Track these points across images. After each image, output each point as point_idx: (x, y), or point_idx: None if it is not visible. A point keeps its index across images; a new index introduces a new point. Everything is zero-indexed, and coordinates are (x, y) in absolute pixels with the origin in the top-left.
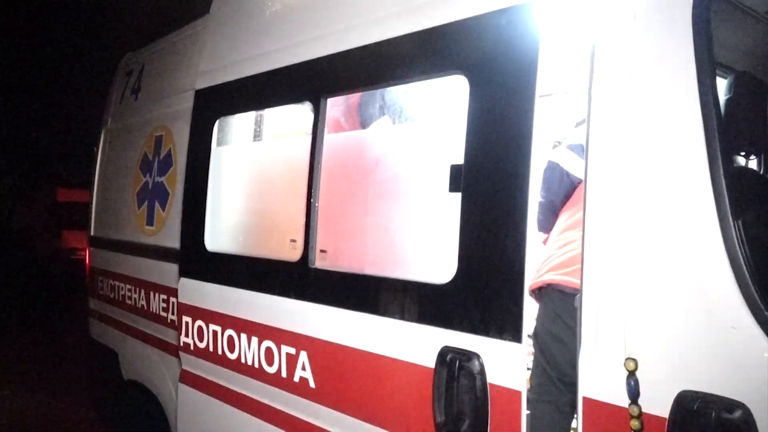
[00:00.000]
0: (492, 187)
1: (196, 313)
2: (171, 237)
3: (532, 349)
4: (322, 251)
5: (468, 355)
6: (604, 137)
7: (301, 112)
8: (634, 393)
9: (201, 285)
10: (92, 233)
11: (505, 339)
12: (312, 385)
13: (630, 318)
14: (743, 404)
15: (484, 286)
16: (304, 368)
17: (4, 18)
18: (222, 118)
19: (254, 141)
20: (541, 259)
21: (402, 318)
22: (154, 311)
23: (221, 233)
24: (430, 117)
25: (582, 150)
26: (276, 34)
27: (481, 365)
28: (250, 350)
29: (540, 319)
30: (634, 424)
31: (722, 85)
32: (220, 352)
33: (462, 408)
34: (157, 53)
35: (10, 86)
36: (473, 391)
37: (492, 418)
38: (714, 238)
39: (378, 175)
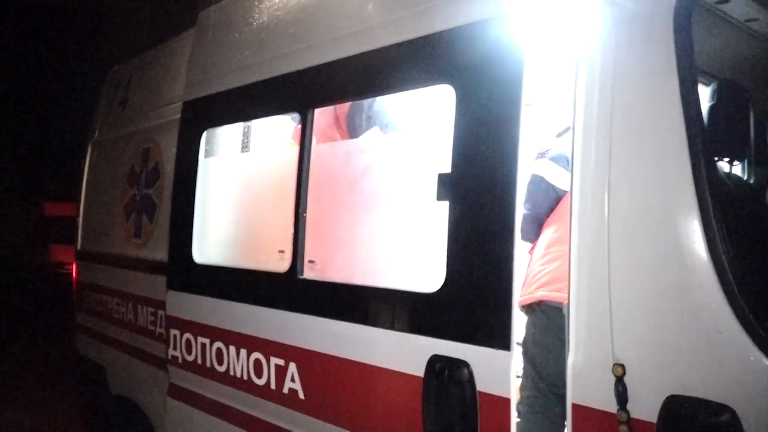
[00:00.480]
0: (479, 195)
1: (184, 325)
2: (159, 249)
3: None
4: (311, 261)
5: (457, 364)
6: (589, 145)
7: (288, 123)
8: (622, 398)
9: (189, 297)
10: (79, 247)
11: (493, 347)
12: (301, 396)
13: (617, 323)
14: (730, 407)
15: (473, 295)
16: (293, 379)
17: None
18: (209, 129)
19: (242, 152)
20: (530, 273)
21: (391, 327)
22: (142, 324)
23: (209, 245)
24: (418, 126)
25: (566, 161)
26: (262, 45)
27: (470, 373)
28: (239, 362)
29: (530, 331)
30: (623, 429)
31: (705, 93)
32: (208, 365)
33: (452, 416)
34: (144, 66)
35: None
36: (463, 400)
37: (481, 426)
38: (698, 243)
39: (365, 184)
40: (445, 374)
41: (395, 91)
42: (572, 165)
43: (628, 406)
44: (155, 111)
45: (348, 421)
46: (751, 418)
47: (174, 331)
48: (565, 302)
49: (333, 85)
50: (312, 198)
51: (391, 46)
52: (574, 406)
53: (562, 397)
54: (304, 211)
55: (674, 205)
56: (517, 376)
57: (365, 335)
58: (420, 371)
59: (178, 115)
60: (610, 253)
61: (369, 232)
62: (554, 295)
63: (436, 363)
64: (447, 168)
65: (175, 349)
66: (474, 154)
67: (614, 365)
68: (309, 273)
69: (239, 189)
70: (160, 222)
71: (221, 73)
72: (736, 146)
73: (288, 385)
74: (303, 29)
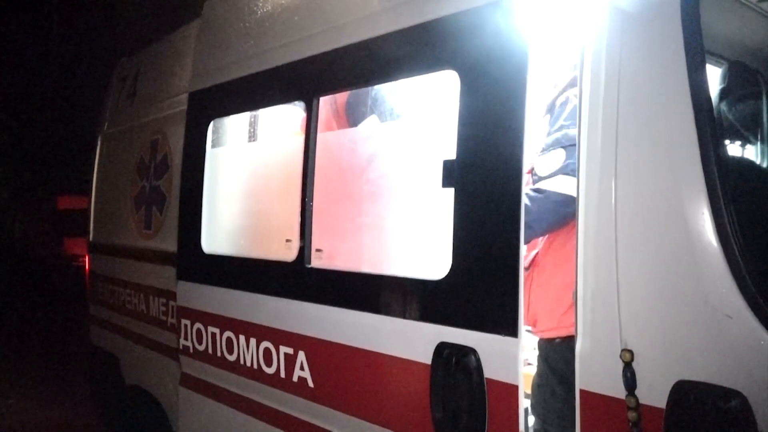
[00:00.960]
0: (485, 181)
1: (195, 315)
2: (168, 240)
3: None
4: (318, 250)
5: (465, 351)
6: (595, 131)
7: (297, 113)
8: (630, 384)
9: (198, 287)
10: (91, 239)
11: (501, 334)
12: (311, 384)
13: (625, 309)
14: (740, 393)
15: (479, 281)
16: (302, 368)
17: (2, 28)
18: (216, 119)
19: (248, 142)
20: (549, 301)
21: (398, 315)
22: (154, 315)
23: (217, 235)
24: (423, 113)
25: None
26: (267, 34)
27: (478, 360)
28: (248, 352)
29: (558, 347)
30: (632, 415)
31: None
32: (219, 355)
33: (460, 404)
34: (151, 57)
35: (10, 96)
36: (470, 387)
37: (490, 413)
38: (707, 228)
39: (371, 172)
40: (453, 361)
41: (400, 78)
42: (578, 152)
43: (637, 392)
44: (163, 102)
45: (356, 408)
46: (761, 403)
47: (185, 321)
48: None
49: (337, 73)
50: (318, 187)
51: (395, 32)
52: (582, 393)
53: None
54: (311, 199)
55: (683, 190)
56: (528, 364)
57: (372, 323)
58: (428, 359)
59: (185, 106)
60: (618, 238)
61: (375, 220)
62: None
63: (444, 350)
64: (452, 154)
65: (186, 339)
66: (479, 140)
67: (622, 351)
68: (316, 262)
69: (246, 179)
70: (170, 213)
71: (226, 63)
72: (747, 129)
73: (297, 373)
74: (306, 17)
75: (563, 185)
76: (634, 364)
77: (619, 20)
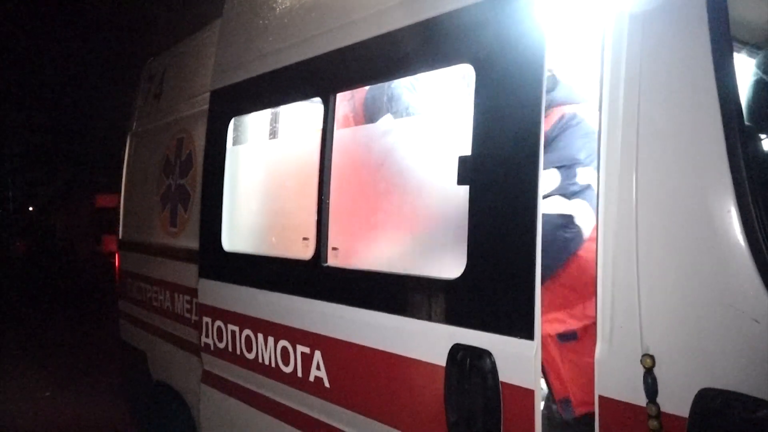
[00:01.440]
0: (501, 178)
1: (215, 313)
2: (192, 238)
3: None
4: (334, 249)
5: (479, 353)
6: (616, 124)
7: (312, 109)
8: (651, 391)
9: (219, 285)
10: (121, 236)
11: (516, 336)
12: (326, 384)
13: (646, 312)
14: (767, 402)
15: (495, 282)
16: (318, 368)
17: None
18: (236, 117)
19: (267, 139)
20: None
21: (412, 315)
22: (179, 312)
23: (237, 233)
24: (440, 109)
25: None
26: (284, 31)
27: (493, 363)
28: (266, 350)
29: None
30: (653, 424)
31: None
32: (238, 353)
33: (474, 407)
34: (177, 57)
35: (49, 98)
36: (485, 391)
37: (505, 418)
38: (734, 227)
39: (387, 169)
40: (467, 364)
41: (416, 72)
42: (598, 147)
43: (658, 400)
44: (187, 101)
45: (371, 409)
46: None
47: (206, 319)
48: None
49: (353, 69)
50: (335, 184)
51: (411, 26)
52: (601, 399)
53: None
54: (327, 197)
55: (708, 186)
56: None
57: (386, 323)
58: (442, 360)
59: (208, 105)
60: (639, 238)
61: (390, 218)
62: None
63: (458, 352)
64: (467, 150)
65: (207, 336)
66: (495, 136)
67: (643, 356)
68: (332, 260)
69: (265, 177)
70: (194, 211)
71: (246, 61)
72: None
73: (314, 373)
74: (323, 13)
75: (561, 207)
76: (656, 370)
77: (640, 9)
